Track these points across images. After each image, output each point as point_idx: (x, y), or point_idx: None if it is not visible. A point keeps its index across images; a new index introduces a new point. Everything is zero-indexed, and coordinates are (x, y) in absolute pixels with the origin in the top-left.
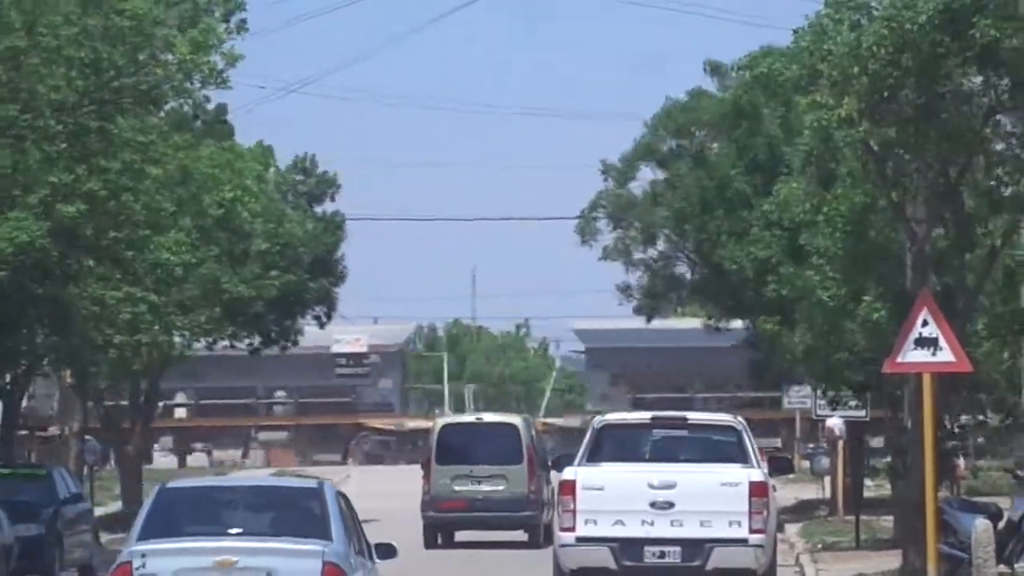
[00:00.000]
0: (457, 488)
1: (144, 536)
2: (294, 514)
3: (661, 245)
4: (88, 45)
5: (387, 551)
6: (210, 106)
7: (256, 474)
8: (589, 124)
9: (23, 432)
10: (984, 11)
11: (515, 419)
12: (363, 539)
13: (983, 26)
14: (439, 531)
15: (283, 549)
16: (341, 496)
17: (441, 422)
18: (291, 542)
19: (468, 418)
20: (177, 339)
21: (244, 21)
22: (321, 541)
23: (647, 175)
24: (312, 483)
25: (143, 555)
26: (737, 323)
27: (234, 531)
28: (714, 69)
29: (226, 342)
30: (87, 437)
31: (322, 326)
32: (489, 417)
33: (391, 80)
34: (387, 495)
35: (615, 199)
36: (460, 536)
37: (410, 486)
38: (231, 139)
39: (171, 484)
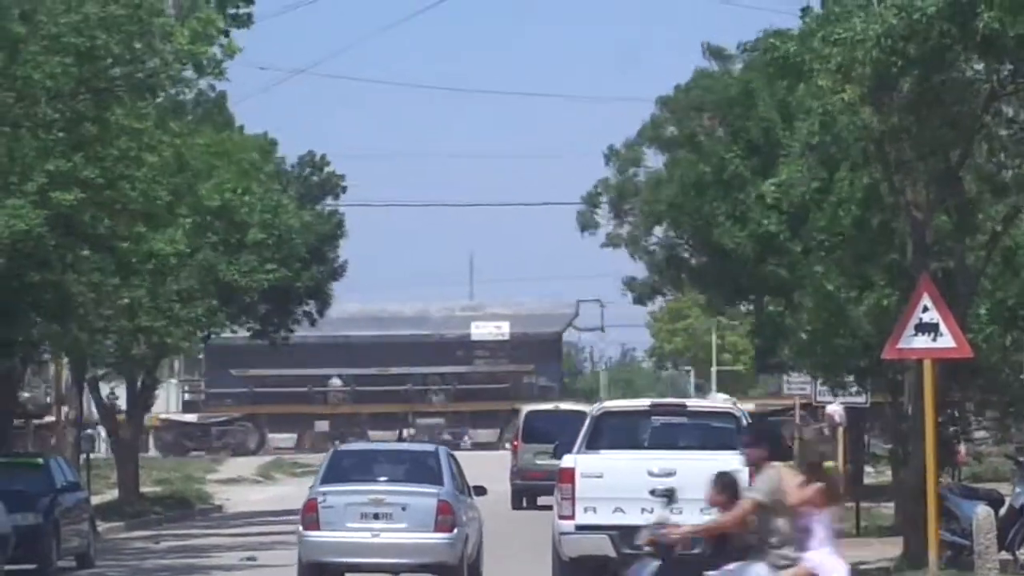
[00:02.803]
0: (538, 462)
1: (324, 481)
2: (419, 467)
3: (661, 232)
4: (87, 33)
5: (480, 490)
6: (207, 89)
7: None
8: (592, 108)
9: (20, 421)
10: (992, 3)
11: (586, 407)
12: (465, 483)
13: (988, 17)
14: (523, 496)
15: (413, 491)
16: (451, 455)
17: (525, 409)
18: (418, 487)
19: (548, 406)
20: (176, 332)
21: (250, 16)
22: (437, 486)
23: (651, 159)
24: (431, 447)
25: (324, 494)
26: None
27: (381, 479)
28: (714, 53)
29: (225, 331)
30: (88, 431)
31: (313, 322)
32: (565, 405)
33: (391, 64)
34: None
35: (617, 187)
36: (542, 500)
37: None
38: (230, 125)
39: (341, 447)
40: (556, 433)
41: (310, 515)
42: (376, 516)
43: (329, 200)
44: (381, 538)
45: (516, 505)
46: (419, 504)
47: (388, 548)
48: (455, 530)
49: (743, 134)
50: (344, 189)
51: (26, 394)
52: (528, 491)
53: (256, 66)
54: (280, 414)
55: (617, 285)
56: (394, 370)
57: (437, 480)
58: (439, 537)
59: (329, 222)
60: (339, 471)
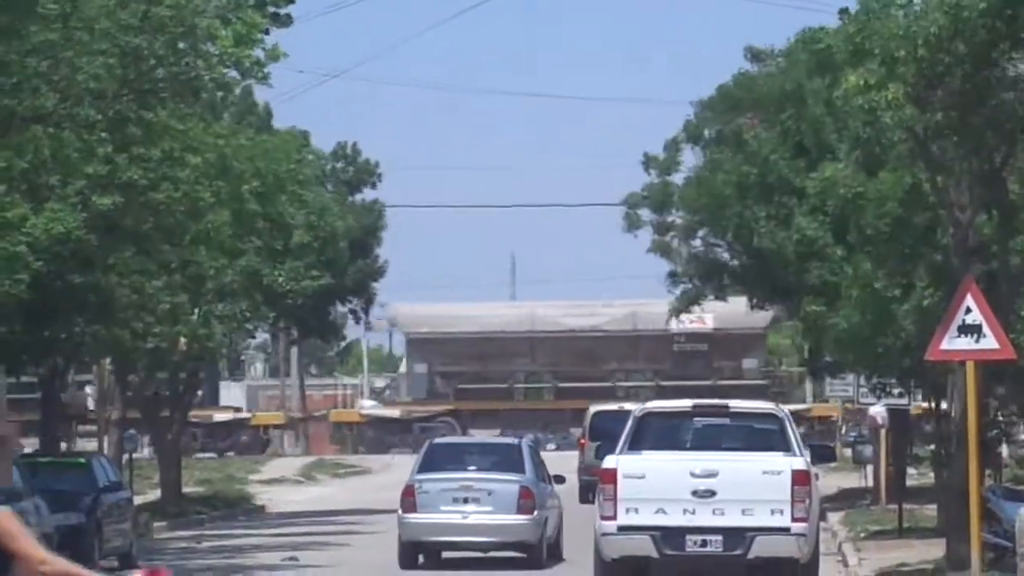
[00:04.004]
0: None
1: (421, 471)
2: (504, 458)
3: (702, 233)
4: (123, 39)
5: (559, 479)
6: (245, 89)
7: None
8: (632, 109)
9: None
10: None
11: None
12: (546, 472)
13: None
14: (590, 491)
15: (498, 478)
16: (532, 448)
17: (592, 409)
18: (502, 475)
19: (613, 406)
20: (218, 328)
21: (290, 16)
22: (519, 474)
23: (691, 161)
24: (514, 440)
25: (420, 481)
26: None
27: (471, 468)
28: (755, 55)
29: (265, 334)
30: (130, 431)
31: (358, 320)
32: (628, 405)
33: (430, 67)
34: None
35: (658, 189)
36: None
37: None
38: (269, 126)
39: (436, 440)
40: (620, 431)
41: (408, 499)
42: (466, 500)
43: (367, 190)
44: (470, 520)
45: (583, 499)
46: (503, 490)
47: (476, 528)
48: (535, 513)
49: (792, 134)
50: (380, 177)
51: (75, 392)
52: (593, 486)
53: (294, 69)
54: None
55: (657, 285)
56: None
57: (520, 469)
58: (521, 519)
59: (370, 211)
60: (434, 461)
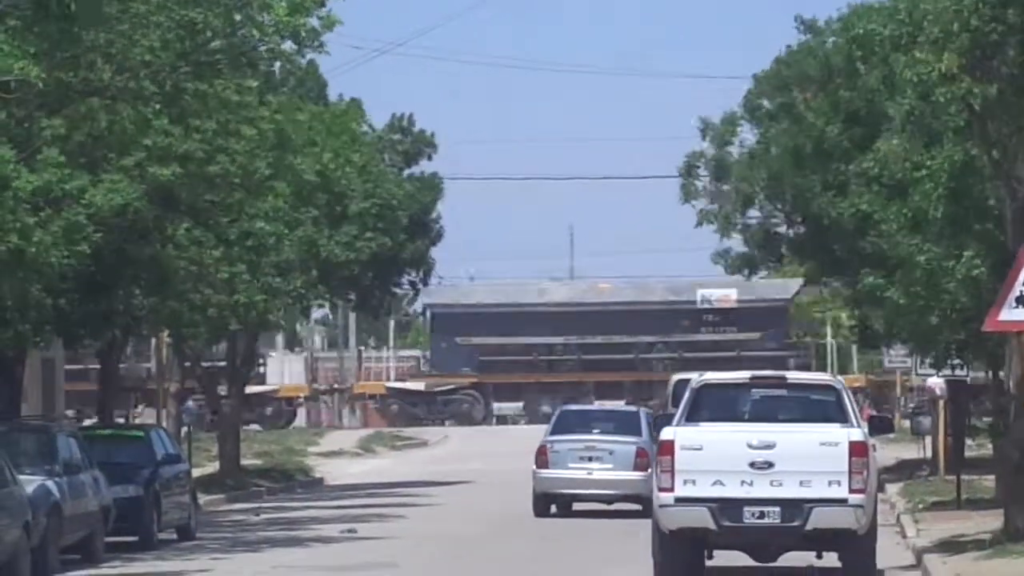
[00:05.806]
0: None
1: (552, 433)
2: (624, 423)
3: (759, 206)
4: (179, 12)
5: None
6: (302, 62)
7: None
8: (690, 82)
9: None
10: None
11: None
12: None
13: None
14: None
15: (618, 440)
16: (649, 415)
17: (675, 377)
18: (622, 437)
19: (692, 375)
20: (275, 302)
21: None
22: (637, 437)
23: (747, 135)
24: (634, 408)
25: (552, 442)
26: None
27: (595, 431)
28: (808, 27)
29: (324, 308)
30: (191, 400)
31: (417, 291)
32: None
33: (486, 40)
34: None
35: (714, 160)
36: None
37: None
38: (324, 98)
39: (565, 407)
40: None
41: (542, 457)
42: (590, 459)
43: (424, 162)
44: (594, 475)
45: None
46: (623, 450)
47: (599, 482)
48: (649, 470)
49: (845, 105)
50: (436, 148)
51: (133, 364)
52: None
53: (348, 44)
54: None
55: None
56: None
57: (637, 432)
58: (637, 475)
59: (429, 183)
60: (564, 425)
